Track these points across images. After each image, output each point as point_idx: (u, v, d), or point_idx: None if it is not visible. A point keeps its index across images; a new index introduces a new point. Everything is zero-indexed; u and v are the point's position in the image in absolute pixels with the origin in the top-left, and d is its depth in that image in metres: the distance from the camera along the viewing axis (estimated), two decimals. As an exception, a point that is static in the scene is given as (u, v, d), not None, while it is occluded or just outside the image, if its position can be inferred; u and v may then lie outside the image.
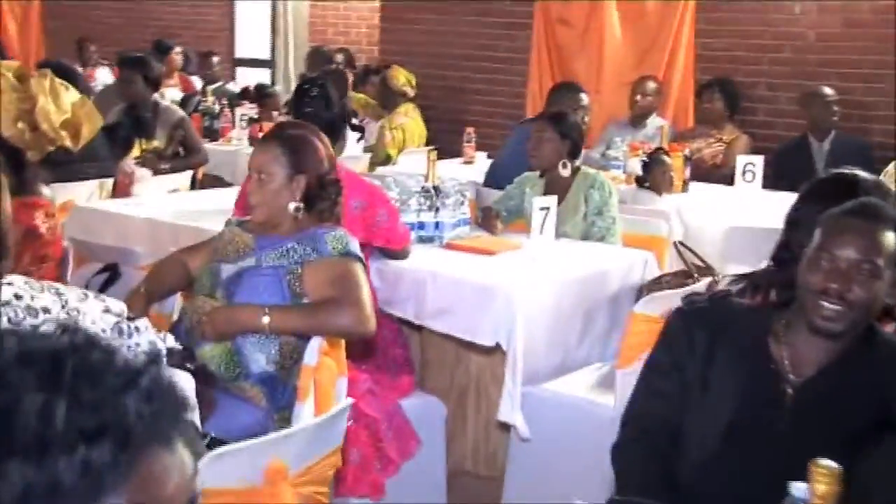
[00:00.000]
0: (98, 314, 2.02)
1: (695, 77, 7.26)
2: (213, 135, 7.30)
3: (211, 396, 2.72)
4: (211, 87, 8.73)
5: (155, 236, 4.41)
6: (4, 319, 1.86)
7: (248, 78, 10.66)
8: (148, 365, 0.86)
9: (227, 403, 2.87)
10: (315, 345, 2.95)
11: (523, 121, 6.12)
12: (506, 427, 3.65)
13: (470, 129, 6.82)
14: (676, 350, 2.19)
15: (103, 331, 2.00)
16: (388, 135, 6.93)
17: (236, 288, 3.00)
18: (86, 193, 4.85)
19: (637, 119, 6.79)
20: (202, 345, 2.92)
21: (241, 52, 11.41)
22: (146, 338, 2.07)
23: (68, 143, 3.46)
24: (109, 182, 4.97)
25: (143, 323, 2.10)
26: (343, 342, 3.05)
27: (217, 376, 2.88)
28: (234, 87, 9.47)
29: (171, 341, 2.12)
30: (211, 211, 4.71)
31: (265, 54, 11.28)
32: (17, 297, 1.91)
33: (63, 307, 1.95)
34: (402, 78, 7.12)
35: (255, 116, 7.30)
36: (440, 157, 7.42)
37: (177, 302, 3.34)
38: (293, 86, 10.89)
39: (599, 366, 3.83)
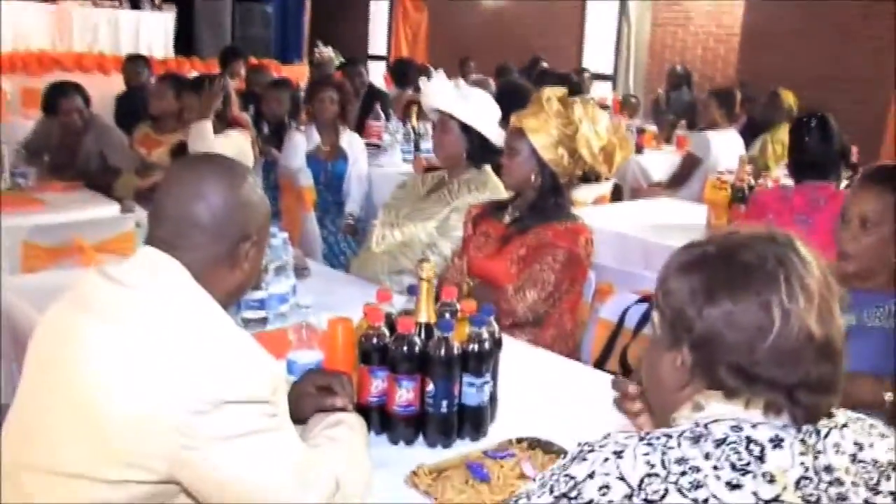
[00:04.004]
0: None
1: None
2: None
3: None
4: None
5: (625, 254, 3.54)
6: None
7: (594, 91, 9.76)
8: None
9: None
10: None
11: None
12: None
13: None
14: None
15: None
16: (770, 148, 5.80)
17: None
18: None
19: None
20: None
21: (587, 66, 10.47)
22: None
23: (603, 169, 2.60)
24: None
25: None
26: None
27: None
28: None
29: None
30: (673, 226, 3.81)
31: (608, 69, 10.33)
32: (860, 445, 1.05)
33: None
34: (791, 99, 5.95)
35: (642, 127, 6.33)
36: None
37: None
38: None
39: None
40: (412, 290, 1.79)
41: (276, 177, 4.64)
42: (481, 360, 1.67)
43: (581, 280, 2.66)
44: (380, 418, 1.68)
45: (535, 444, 1.65)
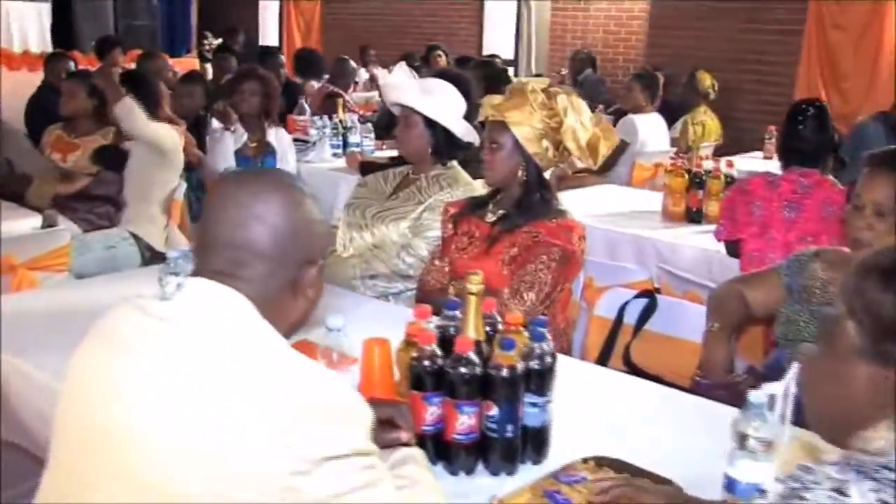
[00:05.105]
0: None
1: None
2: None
3: None
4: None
5: (591, 246, 3.47)
6: None
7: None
8: None
9: None
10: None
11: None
12: None
13: (772, 128, 5.70)
14: None
15: None
16: (690, 129, 5.90)
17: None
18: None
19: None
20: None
21: (487, 52, 10.44)
22: None
23: (589, 162, 2.52)
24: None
25: None
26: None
27: None
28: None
29: None
30: (629, 214, 3.79)
31: (509, 54, 10.33)
32: None
33: None
34: (708, 81, 6.05)
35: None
36: (721, 154, 6.40)
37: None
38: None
39: None
40: (452, 306, 1.66)
41: (202, 178, 4.37)
42: (543, 378, 1.56)
43: (573, 278, 2.58)
44: (435, 447, 1.55)
45: (601, 462, 1.56)
